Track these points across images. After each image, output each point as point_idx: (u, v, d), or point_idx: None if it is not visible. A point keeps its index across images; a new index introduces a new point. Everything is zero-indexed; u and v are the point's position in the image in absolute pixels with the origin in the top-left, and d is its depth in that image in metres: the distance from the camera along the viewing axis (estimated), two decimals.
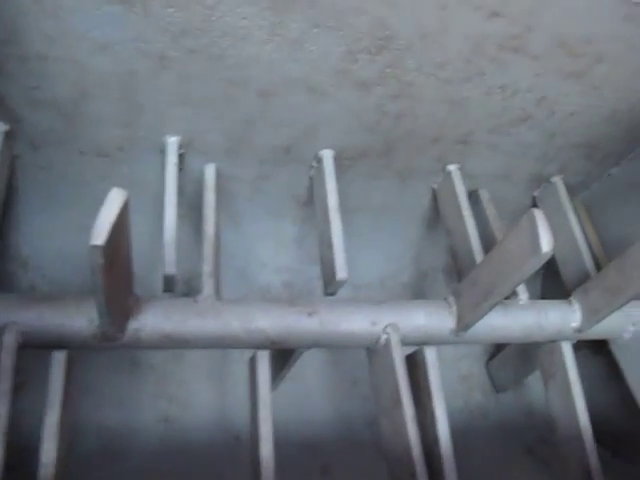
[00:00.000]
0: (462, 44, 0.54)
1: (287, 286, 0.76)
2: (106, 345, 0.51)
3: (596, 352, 0.78)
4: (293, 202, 0.72)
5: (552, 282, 0.76)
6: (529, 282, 0.84)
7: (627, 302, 0.61)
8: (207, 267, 0.55)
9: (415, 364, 0.60)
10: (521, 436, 0.79)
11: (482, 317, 0.58)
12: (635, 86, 0.62)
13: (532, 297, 0.67)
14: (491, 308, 0.56)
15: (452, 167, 0.70)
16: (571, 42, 0.55)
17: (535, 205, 0.79)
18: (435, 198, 0.74)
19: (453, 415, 0.77)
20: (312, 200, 0.68)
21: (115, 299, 0.45)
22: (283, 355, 0.62)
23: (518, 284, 0.52)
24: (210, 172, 0.63)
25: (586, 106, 0.64)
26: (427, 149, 0.67)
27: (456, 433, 0.76)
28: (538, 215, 0.49)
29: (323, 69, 0.55)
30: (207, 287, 0.54)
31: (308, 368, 0.75)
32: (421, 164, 0.69)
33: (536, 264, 0.49)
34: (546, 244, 0.48)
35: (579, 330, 0.66)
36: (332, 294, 0.61)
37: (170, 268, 0.54)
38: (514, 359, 0.78)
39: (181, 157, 0.62)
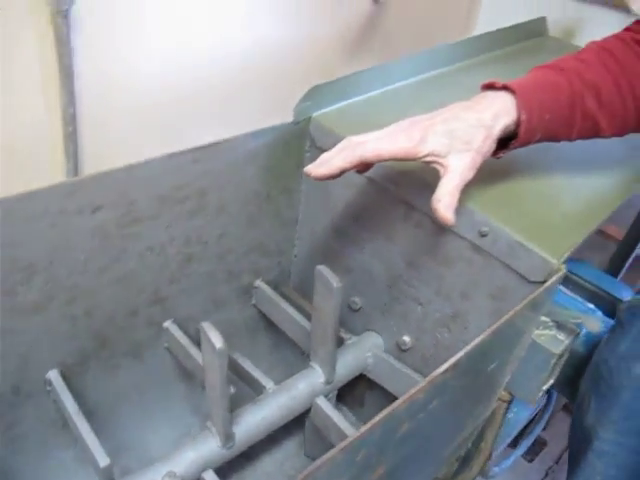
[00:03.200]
0: (89, 241, 0.66)
1: None
2: None
3: (371, 389, 0.89)
4: (54, 429, 0.76)
5: None
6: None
7: (332, 339, 0.74)
8: None
9: None
10: None
11: (231, 423, 0.67)
12: (248, 196, 0.79)
13: None
14: (229, 412, 0.65)
15: (167, 323, 0.81)
16: (168, 194, 0.70)
17: (259, 310, 0.92)
18: (172, 355, 0.83)
19: None
20: None
21: None
22: None
23: (223, 384, 0.62)
24: None
25: (223, 224, 0.79)
26: (134, 323, 0.77)
27: None
28: (206, 326, 0.61)
29: None
30: None
31: None
32: (141, 337, 0.79)
33: (217, 363, 0.60)
34: (218, 342, 0.59)
35: (328, 382, 0.78)
36: None
37: None
38: (315, 435, 0.87)
39: None
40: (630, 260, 1.27)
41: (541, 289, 0.57)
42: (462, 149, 0.59)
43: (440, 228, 0.69)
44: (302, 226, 0.89)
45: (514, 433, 1.23)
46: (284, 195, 0.84)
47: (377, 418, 0.40)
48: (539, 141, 0.66)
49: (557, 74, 0.65)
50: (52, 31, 0.81)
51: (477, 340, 0.48)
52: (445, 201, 0.58)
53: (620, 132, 0.69)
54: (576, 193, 0.72)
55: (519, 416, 1.22)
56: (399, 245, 0.76)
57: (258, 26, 0.97)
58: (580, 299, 1.06)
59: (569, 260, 1.20)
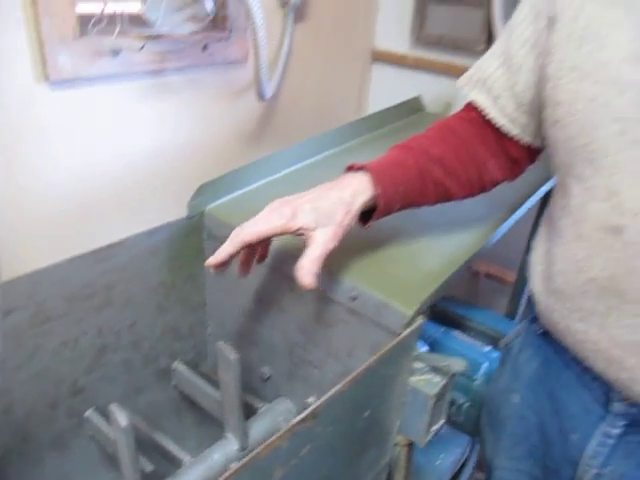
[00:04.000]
0: (3, 343, 0.73)
1: None
2: None
3: None
4: None
5: None
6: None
7: (239, 407, 0.81)
8: None
9: None
10: None
11: None
12: (154, 286, 0.87)
13: None
14: None
15: (88, 412, 0.86)
16: (76, 292, 0.78)
17: (180, 391, 0.98)
18: (96, 443, 0.89)
19: None
20: None
21: None
22: None
23: (132, 460, 0.68)
24: None
25: (133, 314, 0.86)
26: (55, 415, 0.82)
27: None
28: (113, 407, 0.68)
29: None
30: None
31: None
32: (63, 428, 0.84)
33: (124, 441, 0.67)
34: (123, 421, 0.66)
35: (242, 449, 0.84)
36: None
37: None
38: None
39: None
40: (524, 301, 1.38)
41: (397, 340, 0.66)
42: (326, 223, 0.68)
43: (319, 296, 0.79)
44: (211, 308, 0.97)
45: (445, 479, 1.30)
46: (189, 282, 0.92)
47: (235, 467, 0.47)
48: (401, 209, 0.76)
49: (406, 152, 0.76)
50: None
51: (332, 391, 0.56)
52: (306, 267, 0.67)
53: (470, 193, 0.80)
54: (435, 251, 0.82)
55: (446, 462, 1.29)
56: (291, 315, 0.85)
57: (158, 132, 1.08)
58: (479, 343, 1.16)
59: (471, 309, 1.31)
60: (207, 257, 0.90)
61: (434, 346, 1.11)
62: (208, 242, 0.91)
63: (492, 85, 0.75)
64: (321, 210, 0.68)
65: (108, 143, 1.02)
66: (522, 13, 0.71)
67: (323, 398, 0.55)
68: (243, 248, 0.70)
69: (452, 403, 1.08)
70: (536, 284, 0.76)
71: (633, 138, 0.57)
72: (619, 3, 0.59)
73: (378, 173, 0.72)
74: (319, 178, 0.83)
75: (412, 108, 1.35)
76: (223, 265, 0.70)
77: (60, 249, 0.81)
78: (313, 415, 0.55)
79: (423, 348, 0.91)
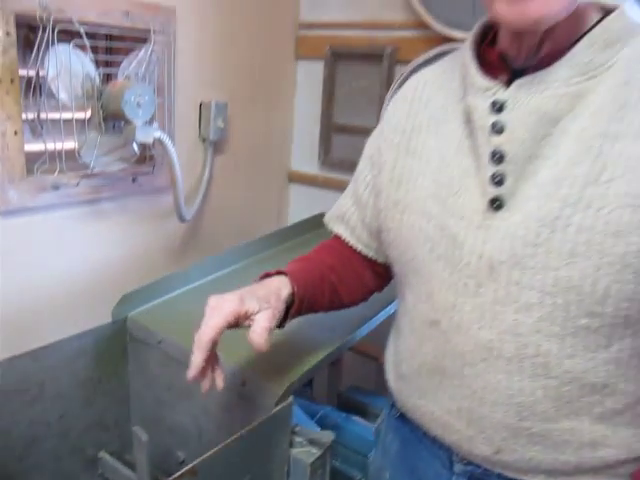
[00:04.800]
0: None
1: None
2: None
3: None
4: None
5: None
6: None
7: None
8: None
9: None
10: None
11: None
12: (82, 382, 1.03)
13: None
14: None
15: None
16: (11, 387, 0.93)
17: (103, 478, 1.11)
18: None
19: None
20: None
21: None
22: None
23: None
24: None
25: (62, 407, 1.01)
26: None
27: None
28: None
29: None
30: None
31: None
32: None
33: None
34: None
35: None
36: None
37: None
38: None
39: None
40: None
41: (267, 415, 0.82)
42: (266, 307, 0.80)
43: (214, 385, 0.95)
44: (134, 401, 1.12)
45: None
46: (114, 378, 1.08)
47: None
48: (306, 310, 0.88)
49: (307, 261, 0.93)
50: None
51: (210, 452, 0.72)
52: (258, 331, 0.77)
53: (354, 300, 0.96)
54: (313, 343, 1.01)
55: None
56: (198, 402, 1.01)
57: (93, 250, 1.28)
58: (371, 426, 1.32)
59: (373, 397, 1.48)
60: (130, 357, 1.09)
61: (335, 429, 1.27)
62: (131, 344, 1.08)
63: (349, 219, 0.93)
64: (260, 298, 0.80)
65: (50, 260, 1.21)
66: (363, 162, 0.90)
67: (202, 457, 0.71)
68: (210, 348, 0.77)
69: None
70: (390, 373, 0.91)
71: (438, 254, 0.76)
72: (421, 157, 0.80)
73: (293, 274, 0.86)
74: (232, 286, 1.01)
75: (318, 223, 1.58)
76: (200, 374, 0.79)
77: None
78: (193, 471, 0.70)
79: (316, 430, 1.06)
